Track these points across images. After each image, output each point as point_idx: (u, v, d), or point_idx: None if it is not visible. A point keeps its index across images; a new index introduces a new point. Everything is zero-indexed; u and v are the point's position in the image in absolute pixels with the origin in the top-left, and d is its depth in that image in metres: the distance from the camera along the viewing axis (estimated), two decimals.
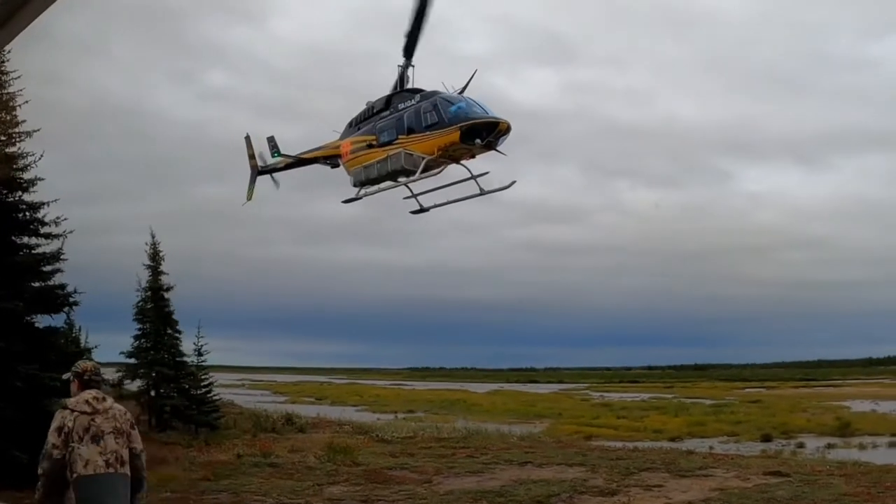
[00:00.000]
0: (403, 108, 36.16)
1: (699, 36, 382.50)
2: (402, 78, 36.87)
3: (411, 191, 36.01)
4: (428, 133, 34.54)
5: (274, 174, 41.42)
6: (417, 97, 35.72)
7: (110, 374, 49.81)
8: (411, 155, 34.58)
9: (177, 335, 49.29)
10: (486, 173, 34.94)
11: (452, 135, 33.39)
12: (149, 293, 48.96)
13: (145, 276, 49.37)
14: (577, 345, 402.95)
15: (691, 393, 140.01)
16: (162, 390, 48.13)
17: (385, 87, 35.93)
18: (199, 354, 50.03)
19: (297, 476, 29.01)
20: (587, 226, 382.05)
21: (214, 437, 43.93)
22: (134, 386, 48.96)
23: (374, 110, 37.27)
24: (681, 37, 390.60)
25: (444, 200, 35.57)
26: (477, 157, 34.10)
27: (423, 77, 34.65)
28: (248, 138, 42.33)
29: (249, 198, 41.18)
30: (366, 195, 36.79)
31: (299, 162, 40.16)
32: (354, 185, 36.27)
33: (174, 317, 49.49)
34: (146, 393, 48.13)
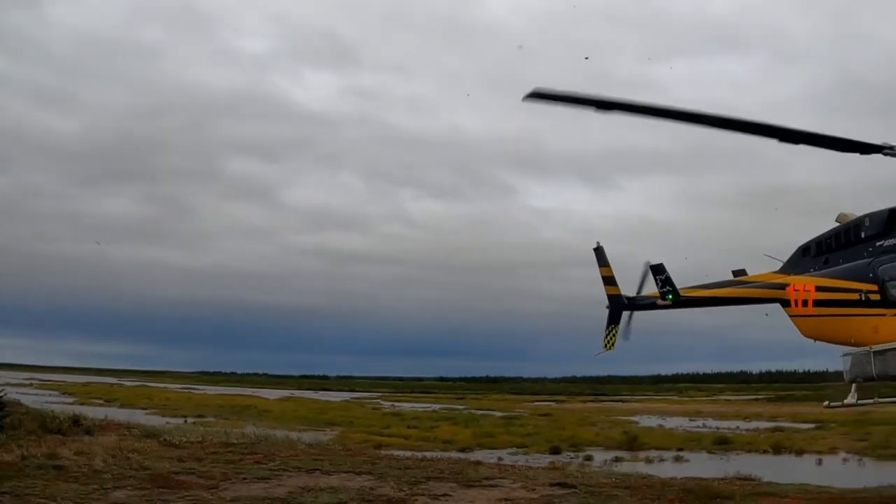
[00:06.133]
0: None
1: (480, 48, 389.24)
2: None
3: None
4: None
5: (633, 312, 32.36)
6: None
7: None
8: None
9: None
10: None
11: None
12: None
13: None
14: (369, 354, 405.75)
15: (482, 405, 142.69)
16: None
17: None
18: None
19: (83, 479, 28.64)
20: (373, 235, 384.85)
21: None
22: None
23: (862, 234, 25.47)
24: (462, 48, 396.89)
25: None
26: None
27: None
28: (600, 250, 33.17)
29: (611, 346, 32.44)
30: (880, 403, 25.92)
31: (694, 302, 30.70)
32: (853, 380, 25.10)
33: None
34: None
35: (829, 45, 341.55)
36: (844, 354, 25.29)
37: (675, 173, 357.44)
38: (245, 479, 29.41)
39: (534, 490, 30.21)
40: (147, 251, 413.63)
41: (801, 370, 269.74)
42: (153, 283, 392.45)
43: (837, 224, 26.58)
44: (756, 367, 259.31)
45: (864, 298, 23.93)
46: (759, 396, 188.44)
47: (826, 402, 27.62)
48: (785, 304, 27.66)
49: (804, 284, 26.43)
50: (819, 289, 25.73)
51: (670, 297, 30.42)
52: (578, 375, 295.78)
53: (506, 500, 27.85)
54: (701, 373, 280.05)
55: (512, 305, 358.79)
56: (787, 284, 27.45)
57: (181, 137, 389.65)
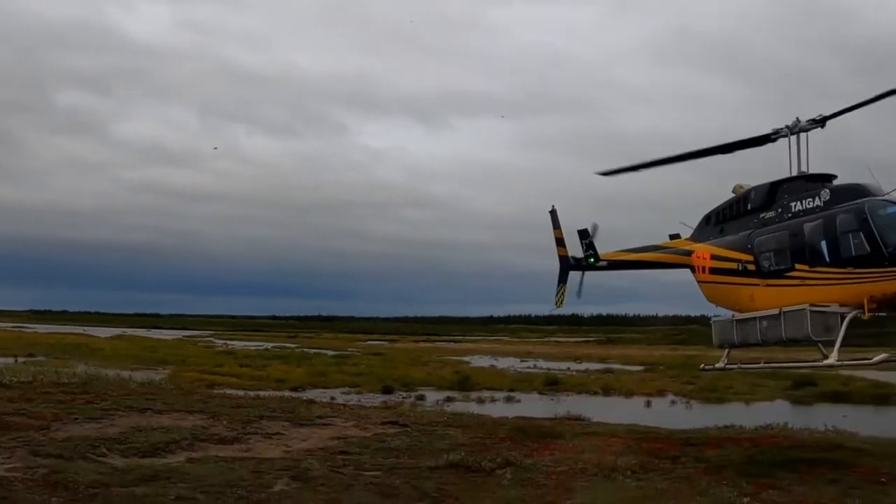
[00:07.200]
0: (799, 213, 24.77)
1: None
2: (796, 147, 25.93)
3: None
4: (854, 270, 22.58)
5: (584, 272, 32.87)
6: (825, 193, 24.26)
7: None
8: (823, 314, 22.91)
9: None
10: None
11: None
12: None
13: None
14: (201, 292, 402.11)
15: (315, 343, 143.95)
16: None
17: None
18: None
19: None
20: (205, 171, 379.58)
21: None
22: None
23: (749, 205, 26.95)
24: None
25: None
26: None
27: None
28: (554, 213, 33.49)
29: (560, 303, 33.35)
30: (743, 370, 28.21)
31: (619, 265, 32.32)
32: (720, 346, 26.93)
33: None
34: None
35: None
36: (713, 319, 27.36)
37: (511, 116, 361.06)
38: (77, 419, 29.39)
39: (366, 429, 31.05)
40: None
41: (630, 314, 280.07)
42: None
43: (733, 195, 28.20)
44: (587, 310, 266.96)
45: (741, 268, 26.00)
46: (590, 339, 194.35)
47: (702, 365, 29.09)
48: (693, 269, 29.26)
49: (703, 252, 28.24)
50: (713, 257, 27.57)
51: (591, 260, 32.02)
52: (411, 315, 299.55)
53: (338, 438, 28.61)
54: (533, 315, 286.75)
55: (344, 244, 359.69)
56: (693, 251, 29.15)
57: (9, 68, 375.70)
